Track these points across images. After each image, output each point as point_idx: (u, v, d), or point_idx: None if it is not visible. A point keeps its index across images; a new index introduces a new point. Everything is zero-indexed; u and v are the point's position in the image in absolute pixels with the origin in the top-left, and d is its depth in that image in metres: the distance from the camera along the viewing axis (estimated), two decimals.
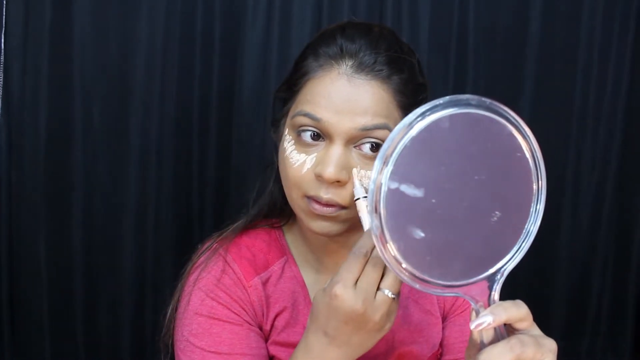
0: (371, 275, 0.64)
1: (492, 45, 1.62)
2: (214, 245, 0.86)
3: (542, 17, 1.62)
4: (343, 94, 0.71)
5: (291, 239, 0.89)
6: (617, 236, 1.76)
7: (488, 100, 0.56)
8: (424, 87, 0.79)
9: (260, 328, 0.84)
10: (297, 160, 0.74)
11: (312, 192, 0.73)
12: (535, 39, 1.62)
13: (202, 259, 0.86)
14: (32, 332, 1.53)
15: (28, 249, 1.51)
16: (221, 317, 0.80)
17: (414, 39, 1.53)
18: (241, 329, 0.80)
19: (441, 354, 0.90)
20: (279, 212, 0.90)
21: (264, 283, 0.84)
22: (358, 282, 0.64)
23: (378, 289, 0.65)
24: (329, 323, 0.65)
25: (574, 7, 1.64)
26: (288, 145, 0.76)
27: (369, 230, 0.66)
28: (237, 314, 0.81)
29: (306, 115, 0.72)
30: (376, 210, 0.55)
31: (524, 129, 0.58)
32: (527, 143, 0.58)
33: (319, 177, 0.72)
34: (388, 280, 0.65)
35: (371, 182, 0.56)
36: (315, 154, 0.74)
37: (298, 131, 0.74)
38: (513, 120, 0.57)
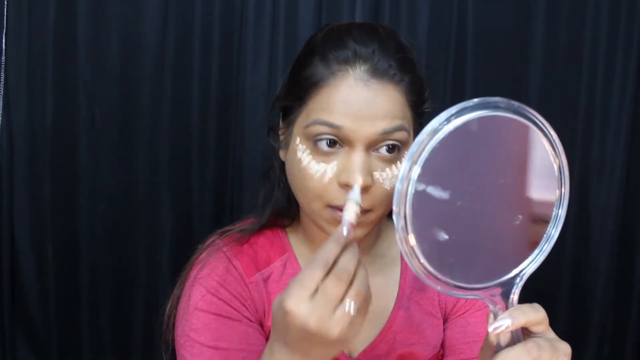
0: (332, 290, 0.57)
1: (493, 46, 1.62)
2: (217, 243, 0.85)
3: (545, 16, 1.62)
4: (361, 99, 0.70)
5: (294, 238, 0.89)
6: (621, 238, 1.77)
7: (516, 104, 0.56)
8: (426, 83, 0.80)
9: (262, 324, 0.83)
10: (317, 170, 0.72)
11: (337, 202, 0.72)
12: (539, 38, 1.63)
13: (203, 254, 0.85)
14: (36, 328, 1.51)
15: (32, 247, 1.50)
16: (221, 312, 0.79)
17: (412, 39, 1.54)
18: (240, 324, 0.79)
19: (442, 356, 0.91)
20: (282, 213, 0.89)
21: (265, 280, 0.83)
22: (316, 295, 0.57)
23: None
24: (287, 336, 0.61)
25: (578, 6, 1.65)
26: (304, 155, 0.73)
27: (336, 236, 0.61)
28: (237, 310, 0.80)
29: (324, 123, 0.71)
30: (402, 212, 0.55)
31: (550, 133, 0.58)
32: (552, 147, 0.58)
33: (346, 186, 0.71)
34: (352, 292, 0.58)
35: (398, 183, 0.55)
36: (336, 161, 0.72)
37: (314, 140, 0.72)
38: (540, 124, 0.57)
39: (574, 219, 1.73)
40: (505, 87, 1.65)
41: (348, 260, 0.59)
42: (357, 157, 0.71)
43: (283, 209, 0.88)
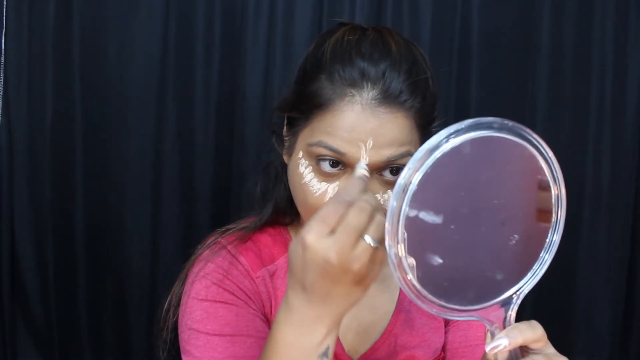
0: (353, 222, 0.57)
1: (498, 45, 1.59)
2: (220, 241, 0.85)
3: (551, 13, 1.58)
4: (367, 129, 0.68)
5: (296, 236, 0.88)
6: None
7: (510, 123, 0.55)
8: (436, 97, 0.76)
9: (268, 320, 0.82)
10: (319, 189, 0.72)
11: None
12: (545, 36, 1.59)
13: (206, 252, 0.84)
14: (37, 328, 1.54)
15: (32, 246, 1.51)
16: (226, 300, 0.78)
17: (415, 40, 1.51)
18: (247, 312, 0.79)
19: (443, 359, 0.91)
20: (284, 211, 0.89)
21: (271, 275, 0.83)
22: (338, 229, 0.57)
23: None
24: (305, 276, 0.59)
25: (585, 3, 1.61)
26: (306, 172, 0.73)
27: (358, 176, 0.62)
28: (242, 300, 0.79)
29: (327, 147, 0.69)
30: (395, 238, 0.54)
31: (547, 152, 0.56)
32: (550, 169, 0.56)
33: None
34: (372, 227, 0.57)
35: (389, 211, 0.54)
36: (338, 182, 0.71)
37: (317, 159, 0.71)
38: (535, 143, 0.56)
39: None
40: (511, 87, 1.61)
41: (369, 196, 0.59)
42: None
43: (284, 208, 0.87)
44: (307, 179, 0.72)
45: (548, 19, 1.59)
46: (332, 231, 0.57)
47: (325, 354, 0.62)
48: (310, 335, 0.61)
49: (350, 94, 0.69)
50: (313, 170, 0.72)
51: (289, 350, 0.62)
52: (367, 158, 0.68)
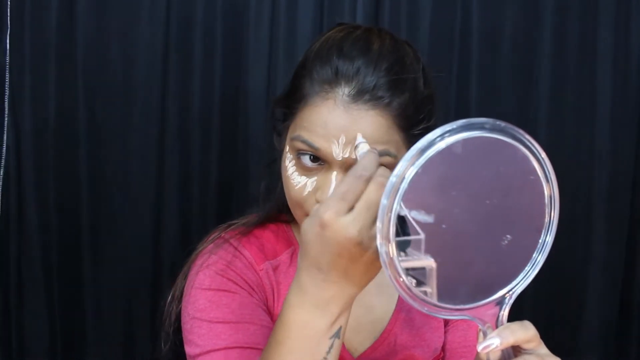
0: (374, 198, 0.56)
1: (498, 44, 1.57)
2: (223, 236, 0.86)
3: (552, 13, 1.57)
4: (339, 125, 0.69)
5: (298, 233, 0.89)
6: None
7: (503, 123, 0.55)
8: (428, 100, 0.76)
9: (271, 313, 0.83)
10: (299, 182, 0.74)
11: None
12: (547, 34, 1.57)
13: (210, 246, 0.85)
14: (41, 327, 1.56)
15: (37, 245, 1.52)
16: (230, 289, 0.79)
17: (414, 40, 1.50)
18: (250, 301, 0.79)
19: (443, 358, 0.91)
20: (286, 209, 0.90)
21: (274, 269, 0.84)
22: (356, 206, 0.57)
23: None
24: (322, 256, 0.59)
25: (588, 1, 1.59)
26: (289, 165, 0.75)
27: (370, 152, 0.63)
28: (245, 290, 0.80)
29: (304, 142, 0.71)
30: (386, 237, 0.54)
31: (539, 152, 0.56)
32: (542, 169, 0.56)
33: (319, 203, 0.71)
34: None
35: (380, 209, 0.54)
36: (316, 177, 0.73)
37: (297, 154, 0.73)
38: (528, 143, 0.56)
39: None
40: (512, 88, 1.59)
41: (383, 170, 0.59)
42: (333, 178, 0.71)
43: (287, 205, 0.88)
44: (290, 172, 0.75)
45: (550, 18, 1.57)
46: (351, 208, 0.57)
47: (337, 334, 0.63)
48: (323, 316, 0.61)
49: (325, 91, 0.70)
50: (295, 164, 0.74)
51: (301, 332, 0.62)
52: (341, 154, 0.69)
